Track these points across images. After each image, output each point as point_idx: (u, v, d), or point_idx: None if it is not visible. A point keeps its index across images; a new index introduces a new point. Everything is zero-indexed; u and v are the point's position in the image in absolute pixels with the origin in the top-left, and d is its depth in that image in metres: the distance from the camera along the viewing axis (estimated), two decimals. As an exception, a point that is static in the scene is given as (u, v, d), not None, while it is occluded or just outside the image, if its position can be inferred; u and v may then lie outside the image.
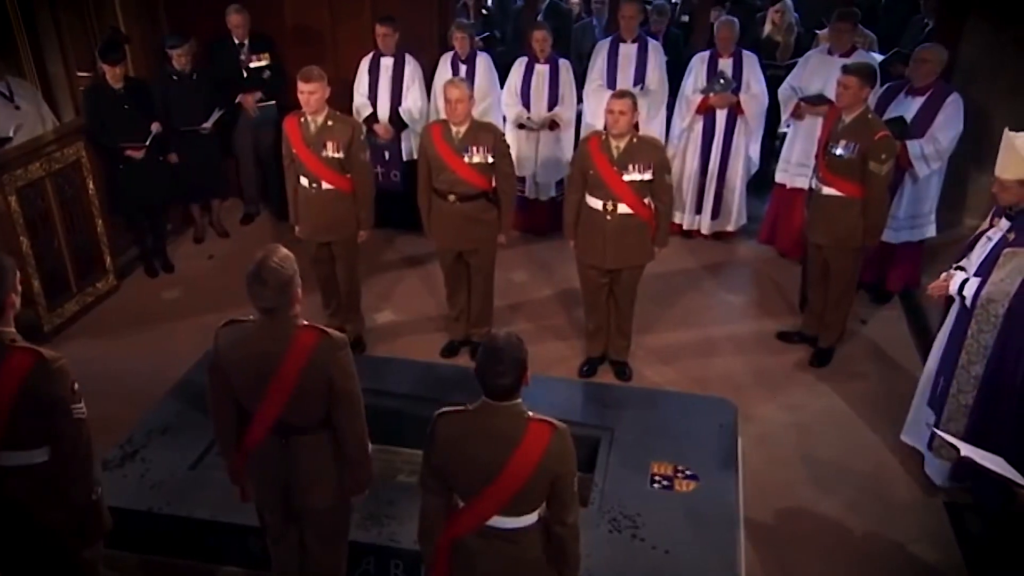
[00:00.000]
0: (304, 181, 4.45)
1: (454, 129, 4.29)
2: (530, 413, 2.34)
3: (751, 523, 3.58)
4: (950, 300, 3.66)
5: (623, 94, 4.10)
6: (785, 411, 4.43)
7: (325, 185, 4.41)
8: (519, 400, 2.34)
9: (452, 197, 4.38)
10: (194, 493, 3.42)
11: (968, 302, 3.50)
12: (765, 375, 4.72)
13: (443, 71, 5.83)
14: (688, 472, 3.54)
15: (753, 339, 5.05)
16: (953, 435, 3.59)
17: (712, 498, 3.42)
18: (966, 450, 2.85)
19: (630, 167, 4.09)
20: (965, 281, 3.52)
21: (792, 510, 3.79)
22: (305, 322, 2.61)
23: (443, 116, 5.79)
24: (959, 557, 3.55)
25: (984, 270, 3.47)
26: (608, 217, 4.19)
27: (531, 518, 2.41)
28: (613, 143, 4.11)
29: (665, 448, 3.67)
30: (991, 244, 3.50)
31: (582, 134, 5.90)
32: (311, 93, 4.22)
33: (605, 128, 4.18)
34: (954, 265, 3.67)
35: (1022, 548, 3.52)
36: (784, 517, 3.75)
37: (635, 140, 4.14)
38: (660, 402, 4.08)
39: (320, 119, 4.32)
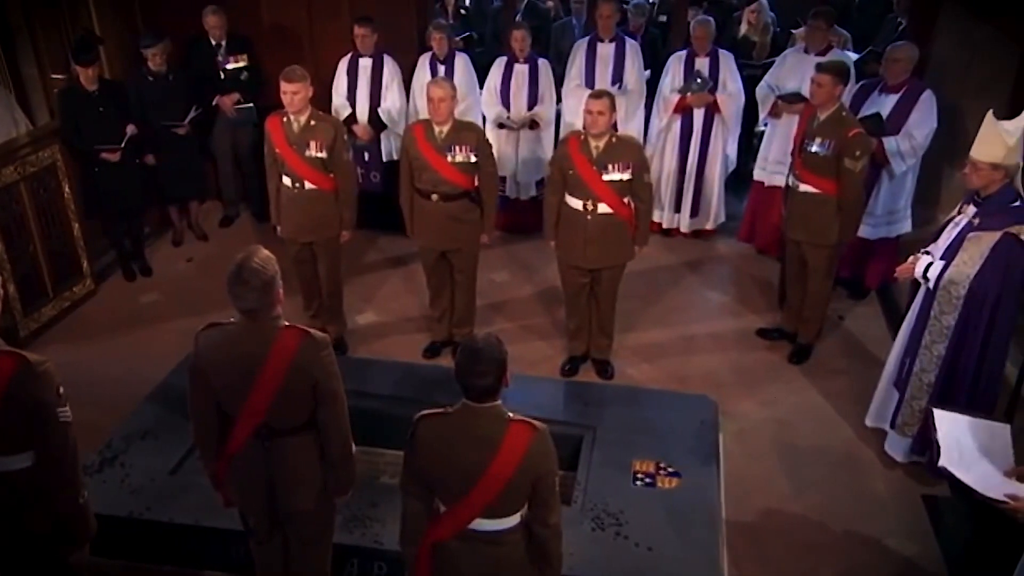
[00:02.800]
0: (287, 181, 4.43)
1: (436, 128, 4.29)
2: (510, 414, 2.34)
3: (732, 518, 3.62)
4: (918, 284, 3.76)
5: (601, 94, 4.11)
6: (765, 407, 4.48)
7: (308, 185, 4.39)
8: (499, 402, 2.35)
9: (435, 197, 4.38)
10: (175, 498, 3.39)
11: (931, 284, 3.61)
12: (745, 372, 4.76)
13: (422, 72, 5.82)
14: (670, 469, 3.57)
15: (733, 336, 5.09)
16: (916, 413, 3.77)
17: (694, 495, 3.45)
18: (944, 461, 2.88)
19: (609, 167, 4.11)
20: (930, 264, 3.63)
21: (773, 505, 3.83)
22: (287, 323, 2.60)
23: (423, 116, 5.82)
24: (936, 549, 3.61)
25: (949, 254, 3.58)
26: (588, 217, 4.20)
27: (513, 519, 2.41)
28: (592, 143, 4.13)
29: (647, 446, 3.70)
30: (957, 229, 3.61)
31: (562, 133, 5.92)
32: (294, 93, 4.21)
33: (584, 128, 4.19)
34: (922, 249, 3.77)
35: (996, 539, 3.58)
36: (765, 512, 3.79)
37: (614, 140, 4.16)
38: (642, 400, 4.11)
39: (303, 119, 4.31)
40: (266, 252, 2.55)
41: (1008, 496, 2.68)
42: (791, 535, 3.68)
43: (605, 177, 4.12)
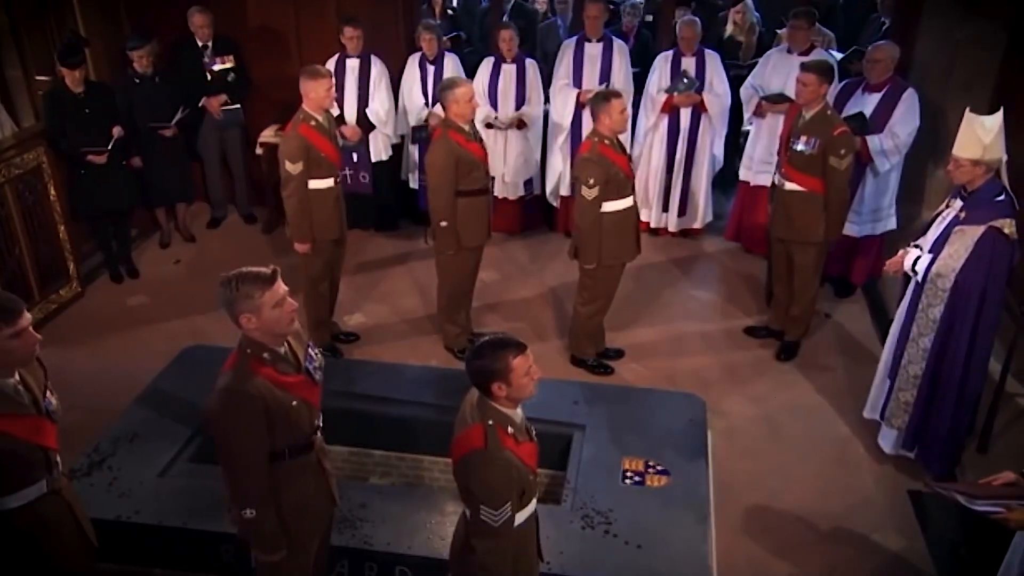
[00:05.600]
0: (329, 182, 4.45)
1: (467, 126, 4.36)
2: (490, 422, 2.37)
3: (721, 516, 3.63)
4: (908, 277, 3.81)
5: (620, 94, 4.34)
6: (753, 404, 4.50)
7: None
8: (487, 397, 2.40)
9: (487, 188, 4.53)
10: (164, 501, 3.38)
11: (919, 277, 3.67)
12: (733, 370, 4.79)
13: (411, 72, 5.83)
14: (659, 467, 3.58)
15: (721, 334, 5.12)
16: (902, 405, 3.85)
17: (683, 492, 3.46)
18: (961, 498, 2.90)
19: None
20: (918, 258, 3.68)
21: (761, 502, 3.86)
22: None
23: (413, 116, 5.77)
24: (923, 544, 3.64)
25: (936, 247, 3.64)
26: (636, 208, 4.45)
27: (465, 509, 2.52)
28: (621, 141, 4.34)
29: (636, 444, 3.71)
30: (945, 223, 3.67)
31: (549, 133, 5.94)
32: (329, 88, 4.29)
33: (600, 133, 4.22)
34: (912, 244, 3.82)
35: (982, 535, 3.62)
36: (753, 509, 3.82)
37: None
38: (631, 399, 4.12)
39: (326, 113, 4.41)
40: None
41: (1001, 506, 2.71)
42: (779, 532, 3.70)
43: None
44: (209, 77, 5.87)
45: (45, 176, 5.12)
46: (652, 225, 6.17)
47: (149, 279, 5.72)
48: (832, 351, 4.96)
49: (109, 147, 5.23)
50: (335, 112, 5.77)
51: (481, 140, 4.53)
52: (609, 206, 4.26)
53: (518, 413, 2.47)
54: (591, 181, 4.18)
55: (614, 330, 4.94)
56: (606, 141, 4.20)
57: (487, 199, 4.56)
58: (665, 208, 6.11)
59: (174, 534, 3.28)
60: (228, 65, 5.89)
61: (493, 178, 5.80)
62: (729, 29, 6.90)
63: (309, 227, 4.45)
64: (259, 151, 6.09)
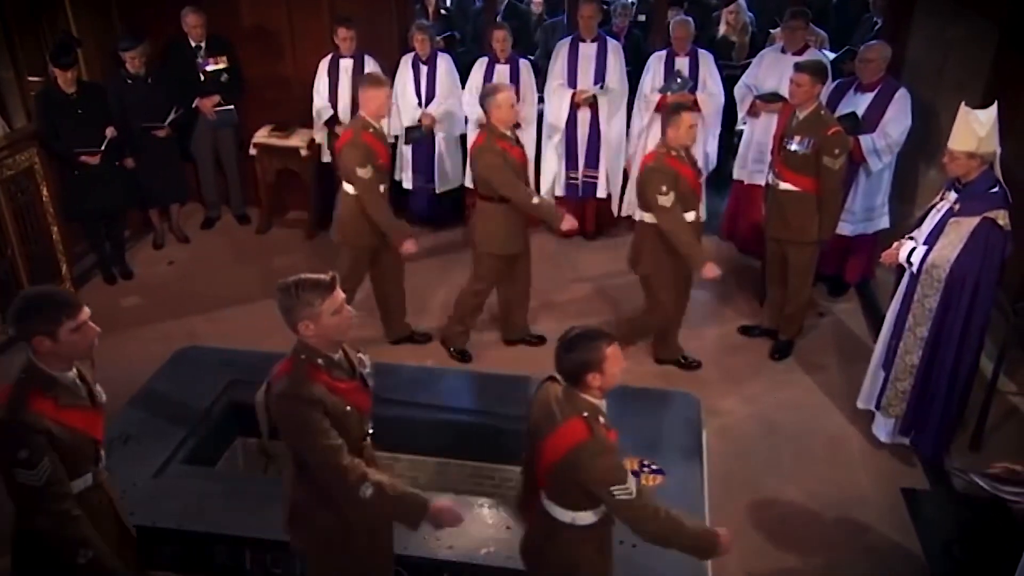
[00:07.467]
0: (381, 188, 4.46)
1: (508, 132, 4.38)
2: (585, 413, 2.40)
3: (716, 515, 3.63)
4: (903, 272, 3.85)
5: (692, 108, 4.42)
6: (747, 403, 4.52)
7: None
8: (581, 392, 2.43)
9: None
10: (158, 502, 3.37)
11: (915, 269, 3.72)
12: (728, 369, 4.80)
13: (404, 72, 5.83)
14: (654, 466, 3.58)
15: (715, 334, 5.13)
16: (900, 393, 3.90)
17: (678, 492, 3.46)
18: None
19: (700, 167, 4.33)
20: (914, 249, 3.73)
21: (755, 501, 3.87)
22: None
23: (408, 117, 5.74)
24: (916, 541, 3.65)
25: (932, 239, 3.69)
26: (700, 223, 4.47)
27: (571, 515, 2.51)
28: (691, 155, 4.31)
29: (631, 443, 3.70)
30: (939, 215, 3.71)
31: (544, 134, 5.94)
32: (388, 96, 4.40)
33: (668, 144, 4.20)
34: (907, 236, 3.86)
35: (974, 531, 3.64)
36: (748, 508, 3.83)
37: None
38: (626, 398, 4.09)
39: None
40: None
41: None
42: (774, 531, 3.71)
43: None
44: (202, 77, 5.85)
45: (38, 177, 5.09)
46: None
47: (143, 280, 5.70)
48: (826, 350, 4.98)
49: (102, 148, 5.21)
50: (329, 112, 5.79)
51: (522, 146, 4.53)
52: None
53: (604, 403, 2.50)
54: (663, 188, 4.12)
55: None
56: (673, 152, 4.18)
57: None
58: (659, 208, 6.11)
59: (168, 535, 3.27)
60: (221, 66, 5.88)
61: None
62: (722, 29, 6.92)
63: (398, 224, 4.58)
64: (253, 152, 6.09)
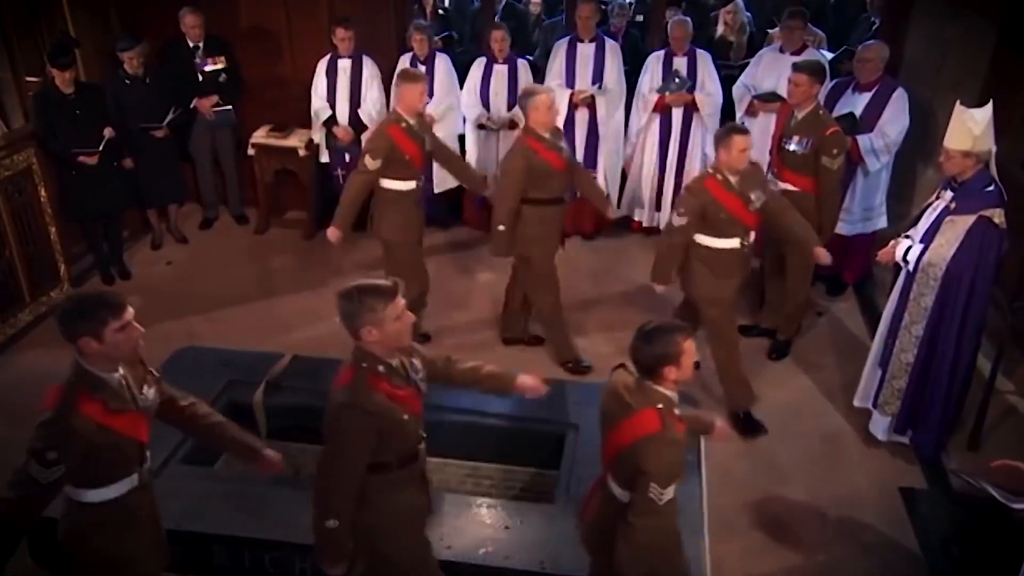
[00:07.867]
0: (412, 184, 4.45)
1: (547, 134, 4.33)
2: (659, 405, 2.46)
3: (714, 515, 3.63)
4: (900, 268, 3.86)
5: (745, 131, 3.96)
6: (746, 403, 4.51)
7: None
8: (655, 384, 2.51)
9: (563, 199, 4.49)
10: (157, 502, 3.36)
11: (911, 267, 3.72)
12: (726, 368, 4.79)
13: (402, 72, 5.82)
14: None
15: (714, 333, 5.12)
16: (896, 392, 3.91)
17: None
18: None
19: (752, 196, 4.00)
20: (910, 248, 3.74)
21: (753, 501, 3.87)
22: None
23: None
24: (914, 540, 3.66)
25: (928, 238, 3.70)
26: (745, 251, 4.11)
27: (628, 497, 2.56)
28: (732, 179, 3.95)
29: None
30: (935, 213, 3.72)
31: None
32: (423, 92, 4.37)
33: (717, 167, 3.98)
34: (903, 234, 3.87)
35: (971, 530, 3.65)
36: (746, 509, 3.83)
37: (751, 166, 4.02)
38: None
39: (419, 117, 4.43)
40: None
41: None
42: (772, 530, 3.72)
43: (750, 208, 4.00)
44: (200, 78, 5.85)
45: (35, 178, 5.10)
46: (645, 224, 6.18)
47: (141, 280, 5.69)
48: (824, 349, 4.98)
49: (100, 148, 5.21)
50: (327, 113, 5.79)
51: (562, 149, 4.43)
52: (704, 240, 4.06)
53: (676, 396, 2.54)
54: (681, 210, 4.04)
55: (607, 330, 4.95)
56: (718, 177, 3.95)
57: (560, 210, 4.51)
58: (658, 207, 6.12)
59: (167, 536, 3.26)
60: (220, 66, 5.88)
61: (484, 179, 5.80)
62: (720, 29, 6.91)
63: (349, 217, 4.50)
64: (251, 152, 6.09)
